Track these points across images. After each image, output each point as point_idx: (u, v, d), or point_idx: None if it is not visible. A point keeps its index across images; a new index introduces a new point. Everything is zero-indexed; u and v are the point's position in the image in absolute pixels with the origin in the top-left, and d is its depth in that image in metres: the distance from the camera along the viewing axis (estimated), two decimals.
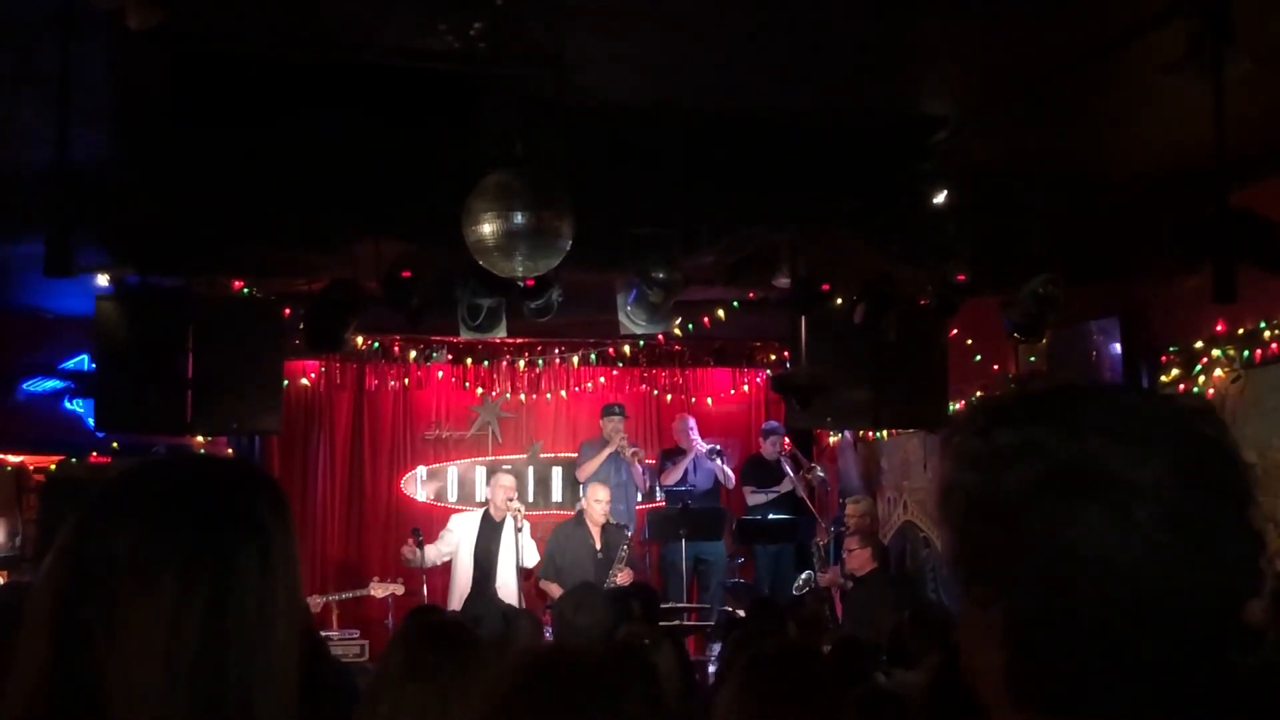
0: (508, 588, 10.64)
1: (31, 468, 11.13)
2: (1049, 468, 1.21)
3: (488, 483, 11.47)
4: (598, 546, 10.99)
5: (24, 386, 11.28)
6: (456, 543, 11.04)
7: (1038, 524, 1.20)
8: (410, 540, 10.82)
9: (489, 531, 10.99)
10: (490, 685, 2.23)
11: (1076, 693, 1.19)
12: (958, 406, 10.57)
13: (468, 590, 10.80)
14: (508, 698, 2.15)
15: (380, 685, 3.38)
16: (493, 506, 11.12)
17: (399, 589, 10.68)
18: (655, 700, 2.24)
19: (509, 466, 12.23)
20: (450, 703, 3.19)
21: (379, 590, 10.61)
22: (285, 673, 1.53)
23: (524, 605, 10.14)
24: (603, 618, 6.85)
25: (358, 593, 10.76)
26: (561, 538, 11.23)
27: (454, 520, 11.31)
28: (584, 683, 2.18)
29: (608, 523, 11.13)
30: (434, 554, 10.95)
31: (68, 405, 11.29)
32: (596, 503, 11.10)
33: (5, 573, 10.43)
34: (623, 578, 10.56)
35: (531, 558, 11.01)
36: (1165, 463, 1.19)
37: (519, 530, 10.71)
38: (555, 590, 10.33)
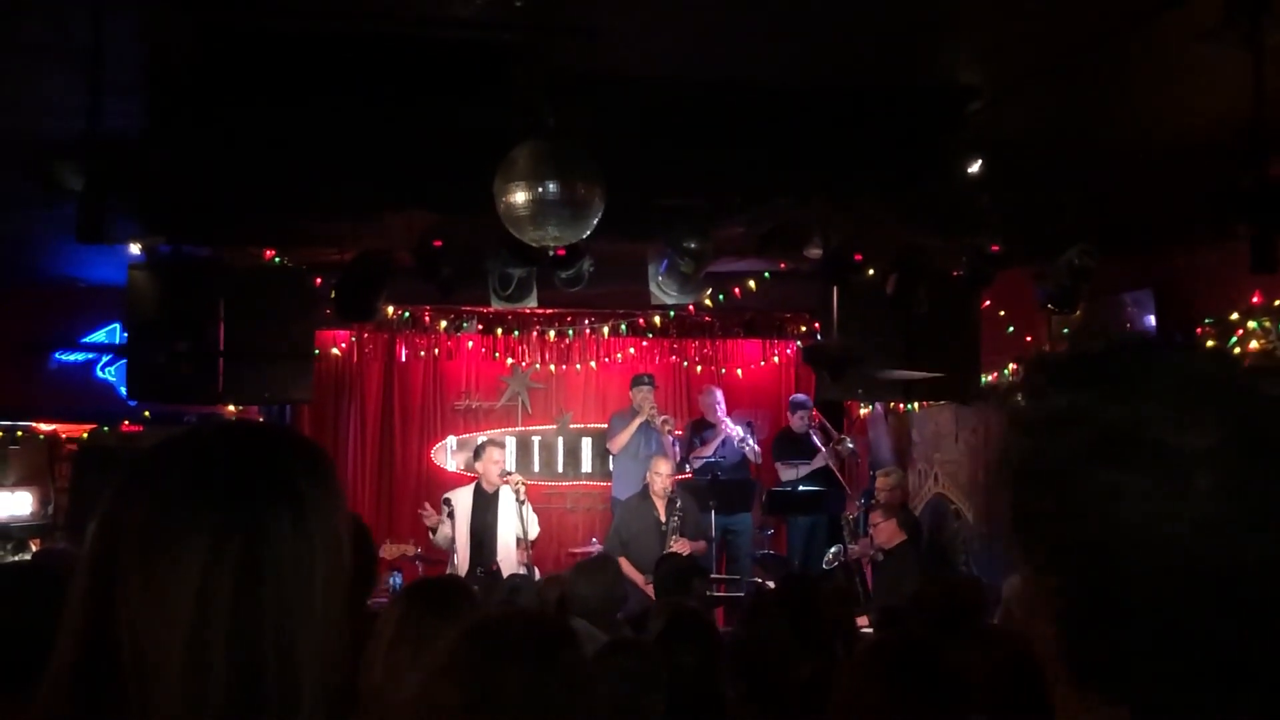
0: (508, 560, 10.57)
1: (64, 436, 11.21)
2: (1098, 434, 1.16)
3: (478, 455, 11.22)
4: (662, 519, 10.93)
5: (56, 355, 11.36)
6: (455, 519, 10.82)
7: (1086, 494, 1.16)
8: (431, 510, 10.82)
9: (483, 504, 10.88)
10: (438, 649, 2.33)
11: (1127, 669, 1.15)
12: (990, 378, 10.54)
13: (466, 564, 10.62)
14: (447, 661, 2.26)
15: (373, 649, 3.36)
16: (484, 480, 10.98)
17: (410, 549, 10.66)
18: (575, 665, 2.37)
19: (483, 438, 12.02)
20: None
21: (390, 551, 10.59)
22: (329, 634, 1.51)
23: (536, 576, 10.04)
24: (611, 589, 6.88)
25: None
26: (628, 512, 11.20)
27: (449, 497, 11.05)
28: (514, 646, 2.33)
29: (671, 495, 11.08)
30: (444, 536, 10.81)
31: (100, 374, 11.36)
32: (658, 475, 11.04)
33: (38, 540, 10.52)
34: (679, 547, 10.53)
35: (534, 529, 10.92)
36: (1222, 429, 1.14)
37: (522, 503, 10.64)
38: (623, 565, 10.25)
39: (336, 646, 1.53)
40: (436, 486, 12.37)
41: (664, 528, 10.87)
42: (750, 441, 12.23)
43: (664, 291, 8.71)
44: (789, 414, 12.54)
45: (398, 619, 3.33)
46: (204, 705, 1.41)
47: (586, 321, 12.81)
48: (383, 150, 7.02)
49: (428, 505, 10.95)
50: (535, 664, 2.30)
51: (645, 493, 11.16)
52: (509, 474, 10.99)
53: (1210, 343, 8.49)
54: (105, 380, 11.32)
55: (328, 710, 1.50)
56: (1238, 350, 8.37)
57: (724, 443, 12.27)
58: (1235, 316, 8.29)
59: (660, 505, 11.00)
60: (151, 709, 1.40)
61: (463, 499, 10.87)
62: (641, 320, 12.73)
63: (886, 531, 10.26)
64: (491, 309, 10.47)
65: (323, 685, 1.49)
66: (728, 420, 12.33)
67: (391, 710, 3.06)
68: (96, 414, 11.12)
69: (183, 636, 1.41)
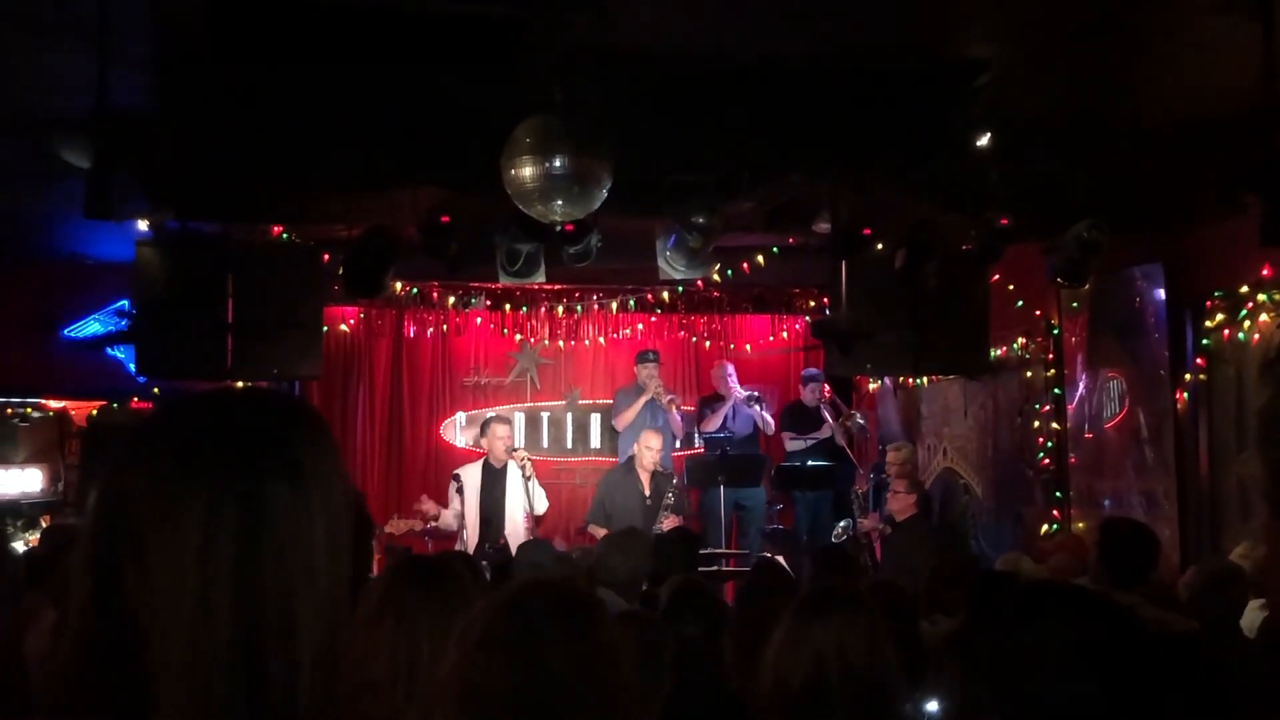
0: (516, 536, 10.55)
1: (73, 413, 11.23)
2: None
3: (484, 431, 11.26)
4: (646, 493, 10.96)
5: (65, 332, 11.37)
6: (464, 495, 10.91)
7: None
8: (427, 501, 10.84)
9: (491, 480, 10.92)
10: (469, 623, 2.31)
11: None
12: (999, 352, 10.53)
13: (475, 540, 10.69)
14: (484, 634, 2.24)
15: (355, 622, 3.34)
16: (491, 456, 11.01)
17: (416, 524, 10.67)
18: (612, 636, 2.34)
19: (492, 414, 11.99)
20: (421, 642, 3.15)
21: (398, 527, 10.60)
22: (330, 599, 1.51)
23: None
24: (640, 562, 6.86)
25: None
26: (612, 484, 11.23)
27: (459, 473, 11.14)
28: (553, 618, 2.29)
29: (657, 470, 11.10)
30: (452, 515, 10.88)
31: (109, 351, 11.37)
32: (648, 450, 11.06)
33: (48, 516, 10.56)
34: (668, 524, 10.55)
35: (542, 505, 10.95)
36: None
37: (529, 479, 10.67)
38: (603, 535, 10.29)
39: (337, 611, 1.53)
40: (445, 462, 12.38)
41: (648, 502, 10.89)
42: (759, 407, 12.24)
43: (672, 266, 8.70)
44: (800, 387, 12.54)
45: (381, 593, 3.31)
46: (209, 669, 1.41)
47: (595, 297, 12.78)
48: (391, 126, 7.01)
49: (424, 498, 10.96)
50: (574, 636, 2.29)
51: (630, 465, 11.18)
52: (515, 450, 11.01)
53: (1220, 315, 8.48)
54: (115, 357, 11.33)
55: (327, 675, 1.50)
56: (1214, 334, 8.36)
57: (734, 414, 12.28)
58: (1245, 289, 8.28)
59: (645, 478, 11.01)
60: (160, 674, 1.41)
61: (471, 475, 10.90)
62: (650, 296, 12.70)
63: (903, 502, 10.26)
64: (499, 285, 10.48)
65: (324, 650, 1.49)
66: (737, 387, 12.33)
67: (365, 684, 3.06)
68: (106, 391, 11.15)
69: (187, 604, 1.41)
